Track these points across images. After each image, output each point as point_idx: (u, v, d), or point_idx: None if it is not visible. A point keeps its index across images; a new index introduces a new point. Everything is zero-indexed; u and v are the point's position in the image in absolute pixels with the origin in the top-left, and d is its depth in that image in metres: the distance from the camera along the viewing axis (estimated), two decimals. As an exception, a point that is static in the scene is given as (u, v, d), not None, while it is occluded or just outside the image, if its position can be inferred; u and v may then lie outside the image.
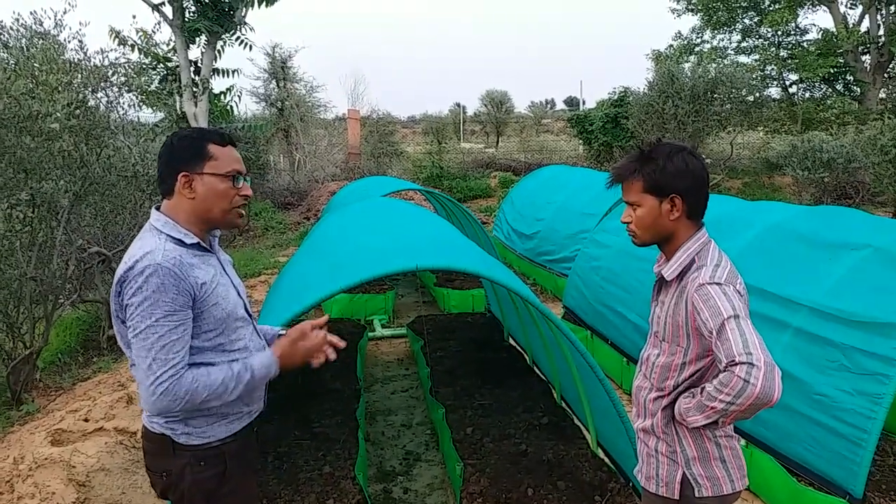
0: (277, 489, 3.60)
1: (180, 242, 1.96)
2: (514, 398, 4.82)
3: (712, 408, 1.89)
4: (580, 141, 22.42)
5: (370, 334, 7.18)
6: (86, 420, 4.16)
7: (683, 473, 2.11)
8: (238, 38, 9.88)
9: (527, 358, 5.74)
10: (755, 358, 1.77)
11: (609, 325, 5.93)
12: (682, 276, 2.07)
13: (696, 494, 2.09)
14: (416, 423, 5.21)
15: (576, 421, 4.44)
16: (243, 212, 2.10)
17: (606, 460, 3.87)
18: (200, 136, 2.03)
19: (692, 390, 2.04)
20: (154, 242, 1.93)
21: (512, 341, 6.31)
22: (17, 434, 4.42)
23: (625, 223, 2.20)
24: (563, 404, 4.73)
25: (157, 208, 2.05)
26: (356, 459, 3.90)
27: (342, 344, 2.18)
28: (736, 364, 1.79)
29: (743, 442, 4.06)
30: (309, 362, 2.13)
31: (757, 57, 19.84)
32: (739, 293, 1.96)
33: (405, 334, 7.04)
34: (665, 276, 2.13)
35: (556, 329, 3.34)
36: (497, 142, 34.27)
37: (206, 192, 1.99)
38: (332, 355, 2.15)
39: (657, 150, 2.08)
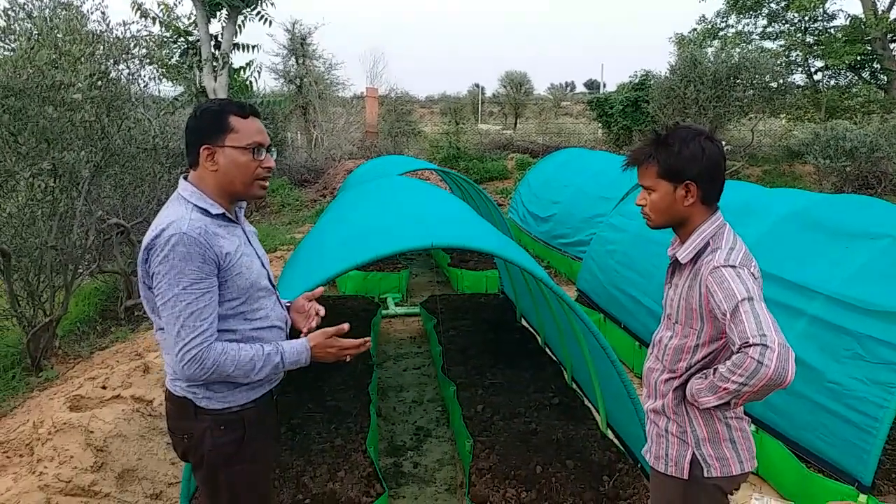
0: (290, 460, 3.66)
1: (206, 212, 2.00)
2: (525, 378, 4.85)
3: (725, 388, 1.90)
4: (599, 124, 22.22)
5: (384, 312, 7.22)
6: (103, 388, 4.24)
7: (693, 454, 2.12)
8: (258, 13, 9.88)
9: (539, 339, 5.76)
10: (769, 339, 1.77)
11: (622, 308, 5.93)
12: (696, 259, 2.07)
13: (705, 474, 2.10)
14: (428, 399, 5.26)
15: (586, 402, 4.46)
16: (266, 184, 2.12)
17: (616, 441, 3.89)
18: (221, 109, 2.04)
19: (704, 371, 2.05)
20: (181, 211, 1.96)
21: (525, 322, 6.33)
22: (36, 399, 4.52)
23: (639, 206, 2.20)
24: (574, 385, 4.75)
25: (185, 178, 2.08)
26: (367, 433, 3.96)
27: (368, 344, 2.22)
28: (749, 345, 1.79)
29: (753, 427, 4.07)
30: (341, 359, 2.17)
31: (782, 42, 19.46)
32: (754, 276, 1.96)
33: (418, 313, 7.08)
34: (679, 258, 2.13)
35: (568, 310, 3.35)
36: (515, 123, 34.04)
37: (227, 164, 2.02)
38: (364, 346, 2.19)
39: (674, 135, 2.07)
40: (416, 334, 6.90)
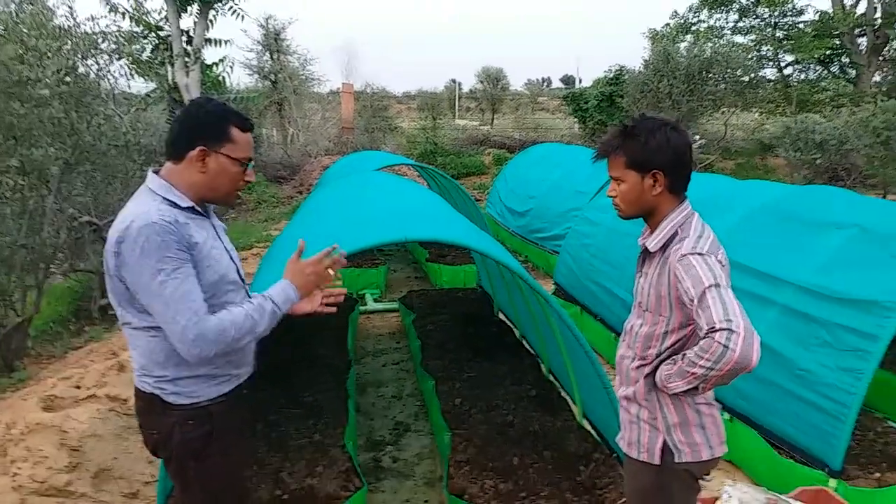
0: (268, 456, 3.66)
1: (174, 205, 1.99)
2: (502, 371, 4.88)
3: (692, 373, 1.93)
4: (575, 119, 22.35)
5: (362, 308, 7.22)
6: (77, 387, 4.19)
7: (664, 440, 2.15)
8: (230, 7, 9.79)
9: (516, 332, 5.80)
10: (734, 324, 1.81)
11: (598, 301, 5.98)
12: (665, 247, 2.11)
13: (677, 460, 2.14)
14: (407, 394, 5.26)
15: (563, 394, 4.50)
16: (240, 194, 2.14)
17: (592, 432, 3.94)
18: (225, 116, 2.06)
19: (674, 357, 2.09)
20: (149, 203, 1.96)
21: (502, 316, 6.36)
22: (8, 400, 4.45)
23: (610, 197, 2.23)
24: (551, 377, 4.79)
25: (156, 172, 2.07)
26: (346, 428, 3.95)
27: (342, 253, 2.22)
28: (716, 330, 1.83)
29: (727, 415, 4.14)
30: (329, 279, 2.16)
31: (753, 37, 19.73)
32: (721, 263, 2.00)
33: (397, 308, 7.08)
34: (649, 247, 2.17)
35: (544, 303, 3.38)
36: (492, 119, 34.11)
37: (218, 171, 2.04)
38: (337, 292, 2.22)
39: (640, 126, 2.11)
40: (395, 330, 6.91)
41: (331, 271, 2.16)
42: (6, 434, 3.54)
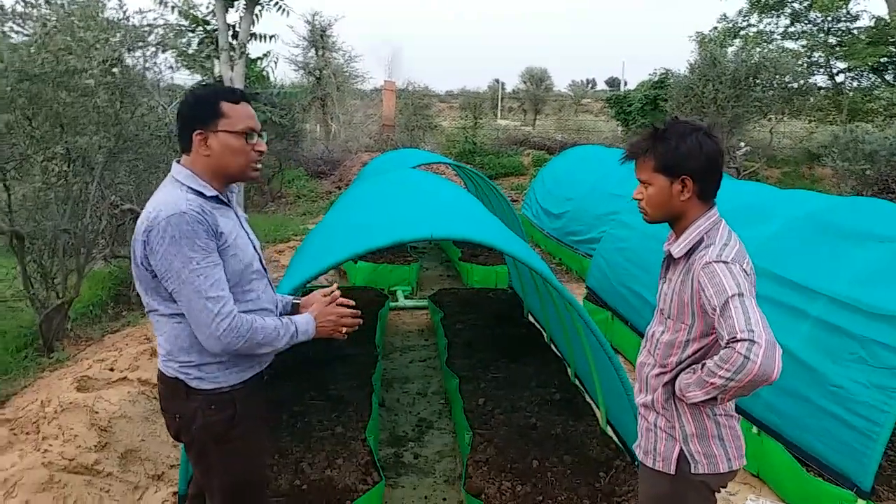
0: (290, 445, 3.71)
1: (200, 194, 2.04)
2: (528, 373, 4.85)
3: (712, 383, 1.90)
4: (618, 122, 22.09)
5: (392, 304, 7.25)
6: (111, 369, 4.31)
7: (681, 449, 2.12)
8: (276, 3, 9.91)
9: (545, 335, 5.76)
10: (756, 335, 1.78)
11: (630, 307, 5.91)
12: (690, 254, 2.08)
13: (693, 471, 2.11)
14: (432, 392, 5.28)
15: (587, 398, 4.46)
16: (258, 166, 2.17)
17: (615, 438, 3.89)
18: (214, 95, 2.09)
19: (693, 366, 2.05)
20: (176, 193, 2.01)
21: (531, 318, 6.33)
22: (46, 379, 4.60)
23: (636, 200, 2.21)
24: (577, 382, 4.75)
25: (178, 161, 2.11)
26: (368, 422, 3.98)
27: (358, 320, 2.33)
28: (737, 340, 1.80)
29: (755, 430, 4.05)
30: (339, 337, 2.28)
31: (804, 43, 19.20)
32: (746, 272, 1.96)
33: (426, 306, 7.10)
34: (673, 253, 2.14)
35: (569, 305, 3.35)
36: (534, 120, 33.93)
37: (221, 149, 2.06)
38: (358, 321, 2.32)
39: (671, 130, 2.07)
40: (424, 327, 6.93)
41: (343, 331, 2.28)
42: (40, 412, 3.66)
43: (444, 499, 3.76)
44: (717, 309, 1.87)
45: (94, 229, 5.35)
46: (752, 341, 1.77)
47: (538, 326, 6.04)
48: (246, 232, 2.22)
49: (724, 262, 1.94)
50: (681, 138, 2.04)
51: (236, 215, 2.21)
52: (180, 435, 2.20)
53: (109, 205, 5.68)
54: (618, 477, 3.42)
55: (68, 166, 4.91)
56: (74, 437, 3.45)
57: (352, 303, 2.31)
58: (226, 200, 2.15)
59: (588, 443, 3.79)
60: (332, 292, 2.31)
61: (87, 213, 5.20)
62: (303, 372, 4.76)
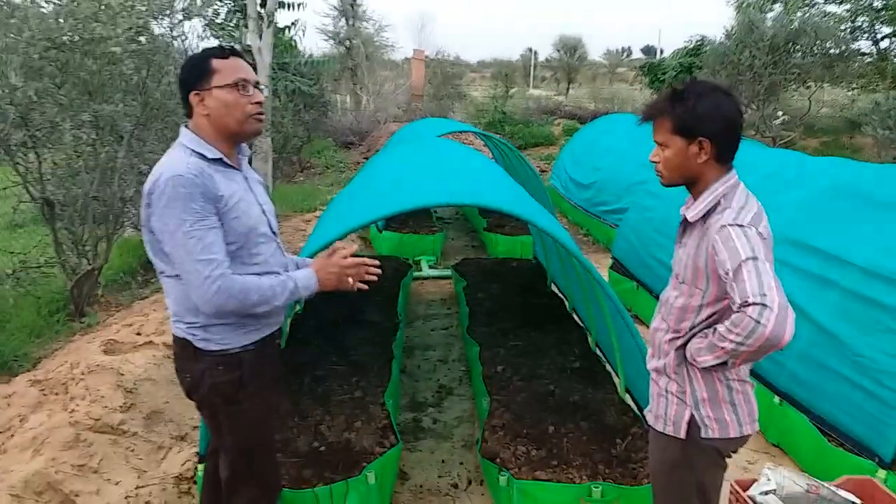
0: (310, 408, 3.77)
1: (203, 157, 2.05)
2: (549, 341, 4.84)
3: (722, 348, 1.88)
4: (652, 90, 21.65)
5: (416, 274, 7.28)
6: (138, 334, 4.42)
7: (692, 414, 2.10)
8: (304, -29, 9.89)
9: (567, 304, 5.73)
10: (769, 300, 1.74)
11: (655, 276, 5.84)
12: (706, 217, 2.03)
13: (703, 435, 2.09)
14: (452, 359, 5.31)
15: (607, 367, 4.44)
16: (261, 118, 2.16)
17: (633, 406, 3.87)
18: (202, 55, 2.10)
19: (705, 331, 2.02)
20: (179, 156, 2.03)
21: (555, 288, 6.30)
22: (76, 343, 4.74)
23: (653, 163, 2.16)
24: (598, 350, 4.72)
25: (186, 126, 2.13)
26: (387, 387, 4.02)
27: (376, 269, 2.31)
28: (749, 305, 1.76)
29: (777, 399, 4.00)
30: (348, 286, 2.24)
31: (848, 7, 18.47)
32: (761, 235, 1.91)
33: (450, 275, 7.11)
34: (689, 217, 2.10)
35: (588, 272, 3.32)
36: (567, 89, 33.45)
37: (217, 105, 2.06)
38: (371, 277, 2.29)
39: (689, 90, 2.02)
40: (448, 296, 6.95)
41: (350, 280, 2.24)
42: (69, 373, 3.78)
43: (461, 462, 3.80)
44: (730, 272, 1.84)
45: (123, 197, 5.44)
46: (763, 305, 1.74)
47: (561, 296, 6.01)
48: (255, 195, 2.23)
49: (740, 226, 1.90)
50: (699, 99, 1.98)
51: (245, 178, 2.22)
52: (191, 394, 2.25)
53: (138, 173, 5.77)
54: (634, 444, 3.41)
55: (97, 134, 4.98)
56: (101, 398, 3.56)
57: (361, 259, 2.29)
58: (232, 163, 2.15)
59: (605, 410, 3.78)
60: (338, 249, 2.30)
61: (116, 181, 5.29)
62: (325, 337, 4.81)
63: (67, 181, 5.01)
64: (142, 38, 5.32)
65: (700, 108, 1.98)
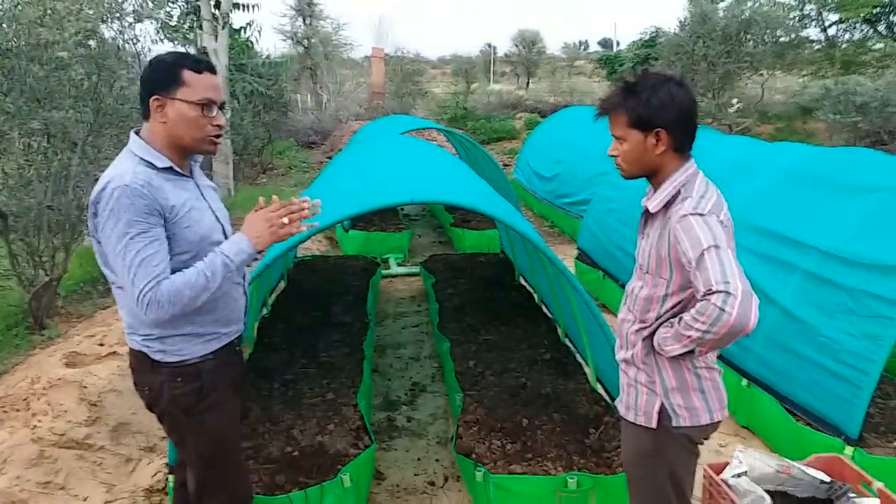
0: (281, 413, 3.72)
1: (151, 165, 1.99)
2: (518, 335, 4.87)
3: (689, 336, 1.89)
4: (610, 82, 21.88)
5: (385, 272, 7.25)
6: (101, 344, 4.31)
7: (662, 403, 2.12)
8: (258, -30, 9.75)
9: (535, 297, 5.76)
10: (732, 287, 1.76)
11: (619, 266, 5.90)
12: (667, 207, 2.05)
13: (674, 424, 2.11)
14: (425, 356, 5.30)
15: (578, 358, 4.48)
16: (218, 140, 2.10)
17: (604, 395, 3.91)
18: (175, 62, 2.01)
19: (671, 320, 2.04)
20: (126, 165, 1.96)
21: (523, 281, 6.33)
22: (37, 357, 4.59)
23: (612, 156, 2.17)
24: (567, 341, 4.76)
25: (137, 132, 2.07)
26: (359, 388, 3.99)
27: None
28: (713, 293, 1.78)
29: (745, 382, 4.07)
30: (285, 234, 2.06)
31: (796, -5, 18.94)
32: (722, 223, 1.94)
33: (418, 272, 7.10)
34: (650, 208, 2.11)
35: (553, 264, 3.34)
36: (528, 83, 33.60)
37: (176, 118, 1.99)
38: (306, 213, 2.08)
39: (642, 83, 2.02)
40: (417, 293, 6.93)
41: (285, 220, 2.05)
42: (30, 388, 3.66)
43: (437, 459, 3.80)
44: (693, 261, 1.85)
45: (80, 205, 5.29)
46: (727, 293, 1.76)
47: (529, 289, 6.04)
48: (208, 202, 2.17)
49: (700, 215, 1.92)
50: (652, 91, 1.99)
51: (197, 185, 2.16)
52: (152, 407, 2.19)
53: (94, 180, 5.62)
54: (607, 433, 3.44)
55: (48, 142, 4.84)
56: (64, 413, 3.46)
57: (288, 201, 2.10)
58: (182, 171, 2.09)
59: (577, 400, 3.81)
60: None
61: (71, 189, 5.15)
62: (294, 341, 4.76)
63: (19, 191, 4.85)
64: (91, 43, 5.19)
65: (654, 100, 1.98)
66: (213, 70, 2.08)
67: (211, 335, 2.12)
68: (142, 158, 1.98)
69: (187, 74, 1.99)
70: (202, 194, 2.16)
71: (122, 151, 2.05)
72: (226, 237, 2.19)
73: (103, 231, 1.91)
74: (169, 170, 2.03)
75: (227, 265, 2.00)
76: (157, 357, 2.06)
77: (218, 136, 2.09)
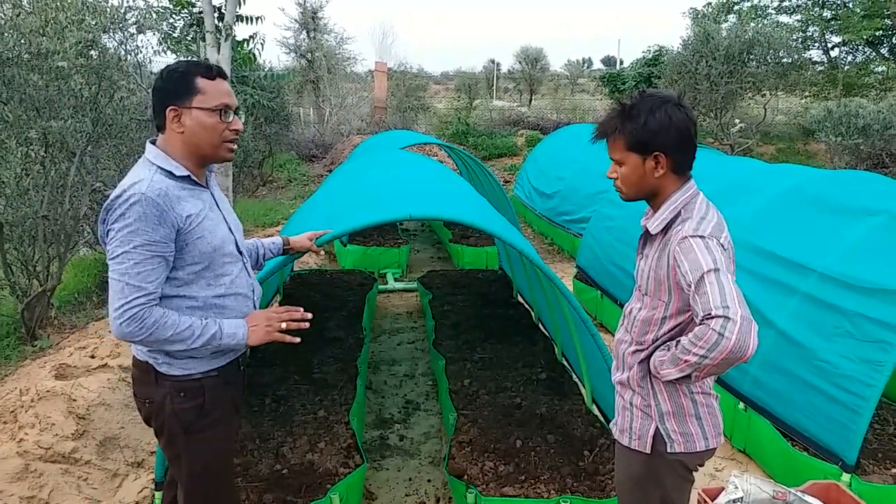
0: (271, 430, 3.66)
1: (170, 175, 1.99)
2: (515, 353, 4.81)
3: (685, 361, 1.85)
4: (612, 101, 21.93)
5: (381, 287, 7.21)
6: (92, 357, 4.26)
7: (657, 428, 2.08)
8: (262, -16, 9.78)
9: (533, 315, 5.72)
10: (731, 312, 1.72)
11: (618, 285, 5.86)
12: (667, 229, 2.02)
13: (668, 450, 2.07)
14: (420, 373, 5.24)
15: (574, 378, 4.42)
16: (234, 146, 2.11)
17: (600, 416, 3.86)
18: (188, 70, 2.02)
19: (668, 343, 2.00)
20: (144, 174, 1.95)
21: (520, 298, 6.28)
22: (27, 368, 4.55)
23: (610, 179, 2.14)
24: (564, 361, 4.71)
25: (153, 142, 2.06)
26: (352, 405, 3.94)
27: (307, 315, 2.21)
28: (712, 317, 1.74)
29: (742, 406, 4.02)
30: (277, 336, 2.14)
31: (799, 17, 19.03)
32: (723, 246, 1.90)
33: (416, 288, 7.05)
34: (650, 229, 2.08)
35: (551, 282, 3.30)
36: (530, 100, 33.71)
37: (194, 126, 2.00)
38: (302, 325, 2.19)
39: (639, 106, 1.99)
40: (413, 309, 6.88)
41: (283, 325, 2.15)
42: (18, 400, 3.61)
43: (429, 480, 3.74)
44: (693, 285, 1.82)
45: (75, 216, 5.27)
46: (726, 318, 1.72)
47: (526, 307, 5.99)
48: (222, 213, 2.16)
49: (701, 237, 1.88)
50: (650, 113, 1.96)
51: (212, 195, 2.15)
52: (150, 420, 2.16)
53: (91, 190, 5.60)
54: (601, 455, 3.38)
55: (45, 151, 4.82)
56: (52, 426, 3.41)
57: (292, 308, 2.20)
58: (200, 181, 2.09)
59: (573, 421, 3.75)
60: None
61: (67, 199, 5.12)
62: (288, 356, 4.71)
63: (16, 200, 4.83)
64: (92, 53, 5.18)
65: (652, 123, 1.95)
66: (224, 76, 2.09)
67: (218, 351, 2.09)
68: (160, 167, 1.98)
69: (201, 82, 1.99)
70: (217, 205, 2.16)
71: (139, 161, 2.04)
72: (238, 249, 2.18)
73: (109, 234, 1.90)
74: (187, 178, 2.02)
75: (214, 337, 2.01)
76: (162, 369, 2.04)
77: (234, 141, 2.10)
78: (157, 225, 1.88)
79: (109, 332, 4.92)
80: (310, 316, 2.21)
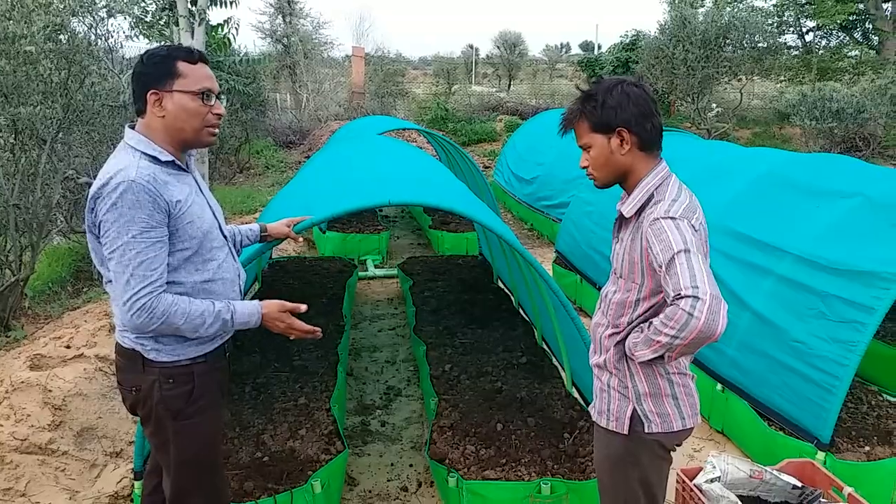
0: (252, 418, 3.65)
1: (154, 160, 1.96)
2: (495, 338, 4.83)
3: (658, 341, 1.87)
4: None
5: (362, 274, 7.19)
6: (67, 346, 4.20)
7: (634, 409, 2.10)
8: (236, -33, 9.62)
9: (513, 300, 5.74)
10: (701, 291, 1.74)
11: (597, 269, 5.90)
12: (640, 212, 2.04)
13: (646, 430, 2.09)
14: (401, 359, 5.25)
15: (554, 361, 4.45)
16: (216, 130, 2.08)
17: (579, 399, 3.89)
18: (168, 54, 1.99)
19: (642, 325, 2.02)
20: (128, 159, 1.92)
21: (501, 284, 6.30)
22: (1, 359, 4.48)
23: (583, 168, 2.16)
24: (544, 345, 4.74)
25: (132, 126, 2.03)
26: (333, 392, 3.94)
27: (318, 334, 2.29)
28: (682, 297, 1.76)
29: (719, 387, 4.08)
30: (286, 333, 2.21)
31: (775, 2, 19.17)
32: (694, 228, 1.92)
33: (396, 275, 7.04)
34: (624, 212, 2.10)
35: (530, 266, 3.31)
36: (509, 85, 33.64)
37: (176, 110, 1.97)
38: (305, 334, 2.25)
39: (597, 88, 2.05)
40: (394, 296, 6.88)
41: (292, 336, 2.24)
42: (-9, 392, 3.55)
43: (411, 465, 3.75)
44: (664, 265, 1.84)
45: (47, 204, 5.18)
46: (696, 297, 1.74)
47: (507, 292, 6.01)
48: (205, 197, 2.15)
49: (672, 219, 1.90)
50: (607, 93, 2.01)
51: (195, 179, 2.13)
52: (136, 408, 2.13)
53: (64, 178, 5.50)
54: (581, 437, 3.42)
55: (15, 138, 4.72)
56: (27, 417, 3.36)
57: (314, 329, 2.27)
58: (183, 166, 2.06)
59: (553, 405, 3.78)
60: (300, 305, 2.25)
61: (39, 188, 5.03)
62: (267, 343, 4.68)
63: (-14, 189, 4.73)
64: (61, 37, 5.07)
65: (609, 100, 2.00)
66: (206, 60, 2.06)
67: (206, 336, 2.07)
68: (143, 153, 1.95)
69: (182, 65, 1.97)
70: (200, 189, 2.14)
71: (119, 147, 2.00)
72: (222, 232, 2.17)
73: (103, 226, 1.87)
74: (171, 163, 2.00)
75: (226, 323, 2.04)
76: (150, 356, 2.02)
77: (216, 126, 2.07)
78: (151, 211, 1.86)
79: (86, 321, 4.85)
80: (319, 332, 2.27)
